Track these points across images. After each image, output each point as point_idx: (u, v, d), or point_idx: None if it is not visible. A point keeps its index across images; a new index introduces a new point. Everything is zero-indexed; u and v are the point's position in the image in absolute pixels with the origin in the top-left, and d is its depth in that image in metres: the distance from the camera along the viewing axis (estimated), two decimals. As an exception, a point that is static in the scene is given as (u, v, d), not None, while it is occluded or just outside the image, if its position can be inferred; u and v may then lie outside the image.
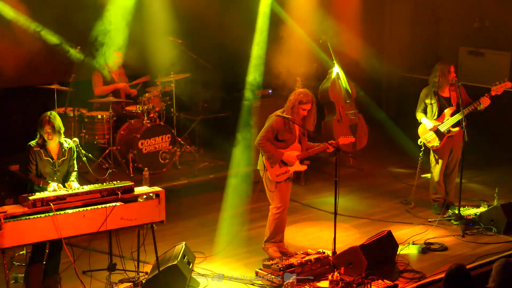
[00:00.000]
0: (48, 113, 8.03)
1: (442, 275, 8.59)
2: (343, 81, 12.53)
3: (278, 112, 8.98)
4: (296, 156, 9.00)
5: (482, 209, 10.49)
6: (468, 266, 8.84)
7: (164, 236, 9.34)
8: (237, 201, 10.95)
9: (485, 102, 10.22)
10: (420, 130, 10.60)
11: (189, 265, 8.35)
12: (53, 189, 7.77)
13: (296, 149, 9.05)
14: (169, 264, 8.08)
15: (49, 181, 7.94)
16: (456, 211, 10.28)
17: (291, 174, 9.07)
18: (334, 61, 12.55)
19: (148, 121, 11.53)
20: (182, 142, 12.25)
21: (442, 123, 10.37)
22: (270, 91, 12.26)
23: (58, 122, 8.03)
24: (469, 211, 10.48)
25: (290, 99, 9.00)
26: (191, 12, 12.21)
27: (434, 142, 10.46)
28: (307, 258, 8.71)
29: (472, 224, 10.17)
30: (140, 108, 11.60)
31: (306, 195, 11.53)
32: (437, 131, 10.41)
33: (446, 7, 14.23)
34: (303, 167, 9.21)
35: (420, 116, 10.58)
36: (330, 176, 11.92)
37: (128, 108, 11.92)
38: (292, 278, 8.28)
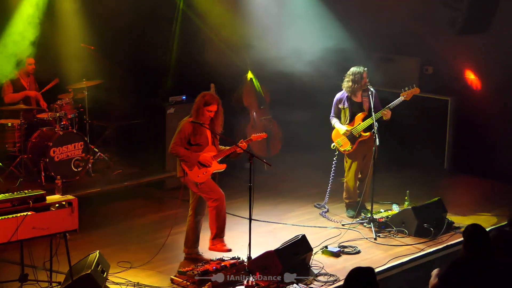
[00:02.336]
0: None
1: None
2: (257, 87, 12.61)
3: (187, 118, 9.02)
4: (212, 156, 9.06)
5: (394, 211, 10.68)
6: (380, 268, 9.05)
7: (77, 245, 9.20)
8: (151, 209, 10.88)
9: (386, 115, 10.45)
10: (333, 134, 10.76)
11: (103, 274, 8.25)
12: None
13: (211, 151, 9.13)
14: (82, 273, 7.96)
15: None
16: (369, 214, 10.45)
17: (211, 174, 9.13)
18: (249, 67, 12.62)
19: (60, 129, 11.35)
20: (95, 149, 12.10)
21: (354, 127, 10.53)
22: (184, 97, 12.22)
23: None
24: (381, 214, 10.67)
25: (195, 102, 9.07)
26: (103, 18, 12.08)
27: (347, 146, 10.62)
28: (222, 264, 8.73)
29: (384, 227, 10.35)
30: (52, 116, 11.41)
31: (221, 201, 11.52)
32: (349, 136, 10.57)
33: (358, 14, 14.43)
34: (222, 166, 9.26)
35: (333, 121, 10.73)
36: (244, 182, 11.95)
37: (39, 115, 11.70)
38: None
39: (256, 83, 12.62)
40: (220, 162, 9.28)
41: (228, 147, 9.29)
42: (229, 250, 9.16)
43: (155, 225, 10.36)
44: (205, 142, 9.11)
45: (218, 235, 9.26)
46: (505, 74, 12.73)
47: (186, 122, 9.03)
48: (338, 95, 10.75)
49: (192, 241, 9.34)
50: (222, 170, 9.32)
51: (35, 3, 11.57)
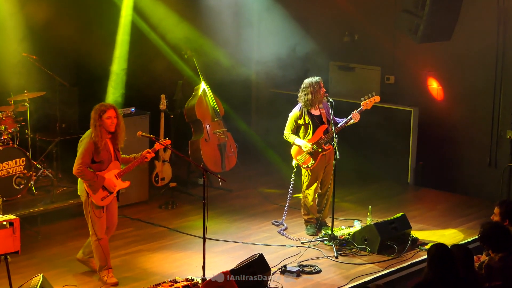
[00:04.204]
0: None
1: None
2: (210, 98, 12.61)
3: (88, 134, 9.02)
4: (115, 175, 9.10)
5: (355, 228, 10.73)
6: (342, 288, 9.10)
7: (19, 268, 9.11)
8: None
9: (356, 117, 10.50)
10: (294, 152, 10.72)
11: (48, 299, 8.19)
12: None
13: (115, 167, 9.13)
14: (25, 298, 7.90)
15: None
16: (329, 232, 10.49)
17: (115, 194, 9.17)
18: (201, 77, 12.62)
19: (0, 144, 11.24)
20: (38, 165, 11.99)
21: (316, 141, 10.53)
22: (133, 109, 12.17)
23: None
24: (343, 231, 10.71)
25: (92, 118, 9.03)
26: (46, 26, 12.00)
27: (309, 162, 10.60)
28: (175, 286, 8.70)
29: (346, 245, 10.39)
30: (-9, 130, 11.29)
31: (173, 219, 11.50)
32: (312, 151, 10.55)
33: (315, 21, 14.52)
34: (125, 184, 9.28)
35: (292, 137, 10.66)
36: (197, 199, 11.99)
37: (-23, 130, 11.58)
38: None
39: (210, 94, 12.61)
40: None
41: (133, 158, 9.27)
42: (116, 282, 9.19)
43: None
44: (107, 158, 9.06)
45: (103, 268, 9.23)
46: (468, 83, 12.89)
47: (88, 139, 8.97)
48: (295, 110, 10.68)
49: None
50: (126, 187, 9.33)
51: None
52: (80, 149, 8.95)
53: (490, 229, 7.91)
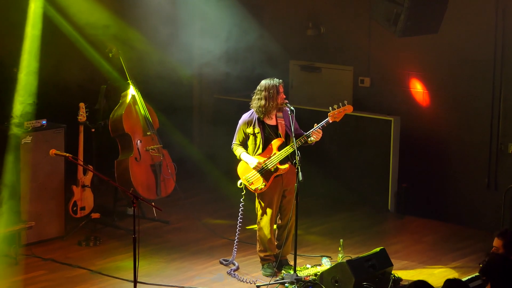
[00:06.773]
0: None
1: None
2: (142, 107, 12.55)
3: None
4: None
5: (324, 267, 10.73)
6: None
7: None
8: (1, 272, 10.70)
9: (316, 135, 10.48)
10: (240, 169, 10.72)
11: None
12: None
13: None
14: None
15: None
16: (291, 272, 10.46)
17: None
18: (129, 81, 12.55)
19: None
20: None
21: (269, 158, 10.53)
22: (44, 121, 12.07)
23: None
24: (308, 271, 10.70)
25: None
26: None
27: (258, 183, 10.59)
28: None
29: (312, 287, 10.39)
30: None
31: (97, 259, 11.41)
32: (262, 170, 10.54)
33: (272, 11, 14.54)
34: None
35: (239, 151, 10.69)
36: (126, 233, 11.92)
37: None
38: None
39: (140, 101, 12.55)
40: None
41: None
42: None
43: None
44: None
45: None
46: (460, 86, 12.96)
47: None
48: (245, 117, 10.72)
49: None
50: None
51: None
52: None
53: (499, 261, 7.95)
